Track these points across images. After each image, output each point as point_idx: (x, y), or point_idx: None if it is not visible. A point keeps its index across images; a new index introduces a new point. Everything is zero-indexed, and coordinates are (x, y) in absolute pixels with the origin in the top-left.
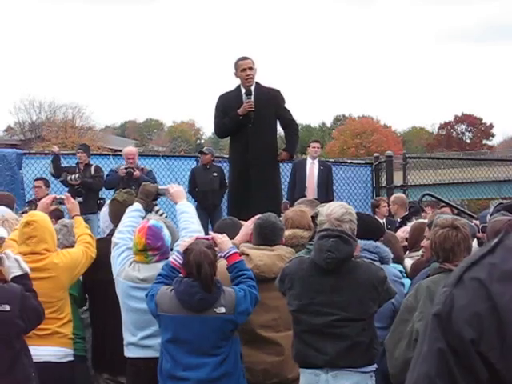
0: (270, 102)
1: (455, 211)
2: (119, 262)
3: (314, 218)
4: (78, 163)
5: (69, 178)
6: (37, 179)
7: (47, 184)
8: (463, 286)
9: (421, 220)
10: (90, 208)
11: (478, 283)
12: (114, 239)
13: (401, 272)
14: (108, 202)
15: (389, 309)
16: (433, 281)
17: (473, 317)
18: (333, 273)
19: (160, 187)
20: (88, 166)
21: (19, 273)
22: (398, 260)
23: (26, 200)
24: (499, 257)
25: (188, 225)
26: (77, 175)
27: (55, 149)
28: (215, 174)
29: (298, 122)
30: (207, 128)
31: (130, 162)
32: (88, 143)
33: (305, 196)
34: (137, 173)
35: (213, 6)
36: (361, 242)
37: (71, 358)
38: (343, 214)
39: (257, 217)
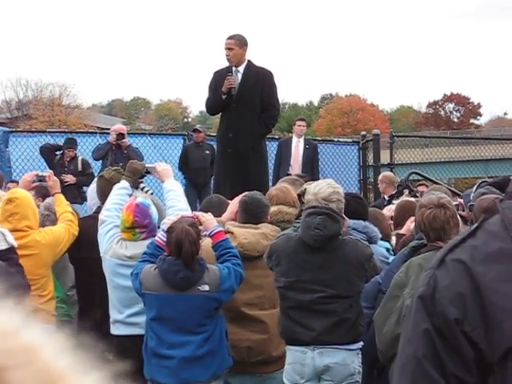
0: (258, 83)
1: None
2: (106, 239)
3: (300, 196)
4: (62, 154)
5: (63, 176)
6: None
7: None
8: (446, 268)
9: (406, 198)
10: (72, 198)
11: (460, 264)
12: (101, 217)
13: (388, 250)
14: (95, 179)
15: (374, 289)
16: (424, 258)
17: (456, 296)
18: (320, 250)
19: (147, 165)
20: (73, 159)
21: (5, 246)
22: (386, 237)
23: (12, 178)
24: (481, 239)
25: (175, 203)
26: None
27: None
28: (207, 152)
29: (284, 100)
30: (194, 106)
31: (122, 138)
32: (75, 121)
33: (289, 174)
34: (126, 141)
35: None
36: (350, 222)
37: None
38: (330, 194)
39: (243, 194)
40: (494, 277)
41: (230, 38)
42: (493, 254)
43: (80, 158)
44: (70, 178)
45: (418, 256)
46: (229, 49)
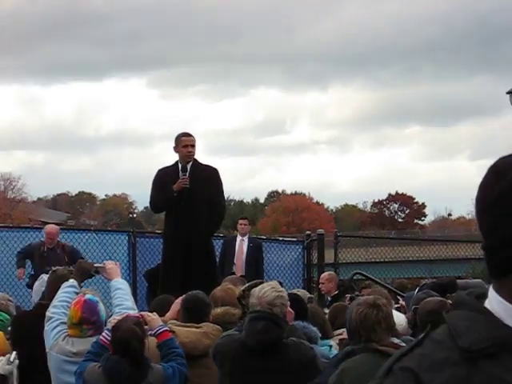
0: (205, 181)
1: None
2: (53, 335)
3: (239, 299)
4: None
5: None
6: None
7: None
8: (393, 376)
9: (341, 303)
10: None
11: (407, 372)
12: (47, 314)
13: (331, 347)
14: (41, 276)
15: None
16: (355, 360)
17: None
18: (263, 354)
19: (96, 265)
20: None
21: None
22: (327, 336)
23: None
24: (428, 348)
25: (122, 301)
26: None
27: None
28: None
29: (230, 197)
30: (140, 202)
31: (49, 242)
32: (19, 215)
33: (233, 273)
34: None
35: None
36: None
37: None
38: (275, 298)
39: (185, 294)
40: None
41: (191, 135)
42: (439, 362)
43: None
44: None
45: (351, 359)
46: (193, 146)
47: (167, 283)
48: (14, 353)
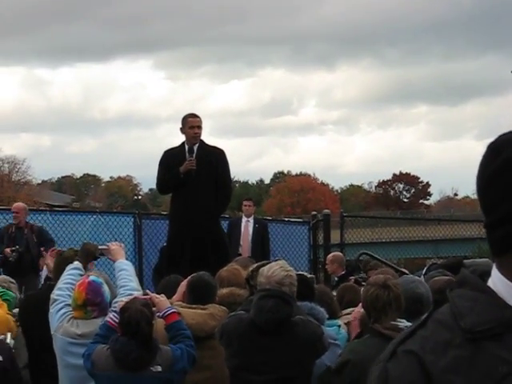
0: (212, 162)
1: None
2: (57, 318)
3: (248, 279)
4: None
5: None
6: None
7: None
8: (397, 359)
9: (349, 283)
10: None
11: (411, 355)
12: (52, 296)
13: (339, 327)
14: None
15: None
16: (359, 342)
17: None
18: (271, 332)
19: (100, 247)
20: None
21: None
22: (335, 315)
23: None
24: (430, 330)
25: (127, 282)
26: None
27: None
28: None
29: (235, 179)
30: (145, 183)
31: (14, 218)
32: (24, 198)
33: (239, 254)
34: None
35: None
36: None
37: None
38: (284, 278)
39: (191, 275)
40: (444, 366)
41: (197, 116)
42: (442, 343)
43: None
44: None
45: (357, 341)
46: (199, 127)
47: (173, 265)
48: (9, 334)
